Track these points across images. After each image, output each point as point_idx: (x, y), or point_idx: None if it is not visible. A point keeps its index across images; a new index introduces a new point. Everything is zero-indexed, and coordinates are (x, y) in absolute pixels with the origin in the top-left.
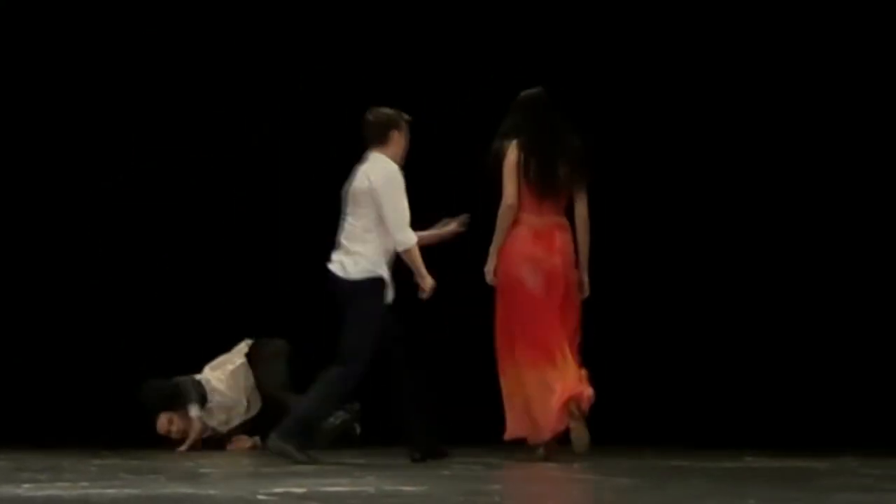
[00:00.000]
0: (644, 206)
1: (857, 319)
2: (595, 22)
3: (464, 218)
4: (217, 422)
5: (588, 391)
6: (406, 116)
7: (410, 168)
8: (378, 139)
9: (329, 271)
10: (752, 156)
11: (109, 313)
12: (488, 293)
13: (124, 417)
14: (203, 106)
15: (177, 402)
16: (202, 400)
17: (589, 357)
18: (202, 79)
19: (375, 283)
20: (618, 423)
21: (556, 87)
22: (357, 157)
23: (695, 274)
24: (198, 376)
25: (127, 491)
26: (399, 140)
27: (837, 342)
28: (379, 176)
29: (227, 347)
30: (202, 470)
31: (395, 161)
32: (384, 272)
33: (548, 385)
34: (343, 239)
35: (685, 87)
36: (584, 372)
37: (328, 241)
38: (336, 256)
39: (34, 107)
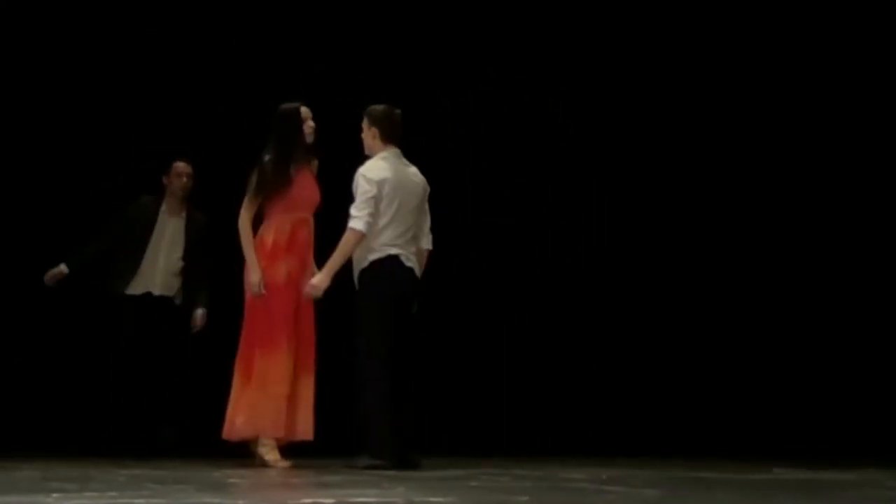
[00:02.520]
0: (661, 219)
1: (887, 333)
2: (592, 23)
3: None
4: None
5: None
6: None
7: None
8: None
9: (409, 270)
10: (753, 164)
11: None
12: (495, 300)
13: (152, 428)
14: (203, 106)
15: None
16: None
17: (618, 367)
18: (202, 79)
19: None
20: (645, 435)
21: (556, 88)
22: (352, 158)
23: (725, 287)
24: None
25: (155, 501)
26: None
27: (866, 355)
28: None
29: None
30: (230, 480)
31: None
32: None
33: None
34: (412, 237)
35: (682, 89)
36: None
37: (326, 243)
38: (410, 254)
39: (34, 107)
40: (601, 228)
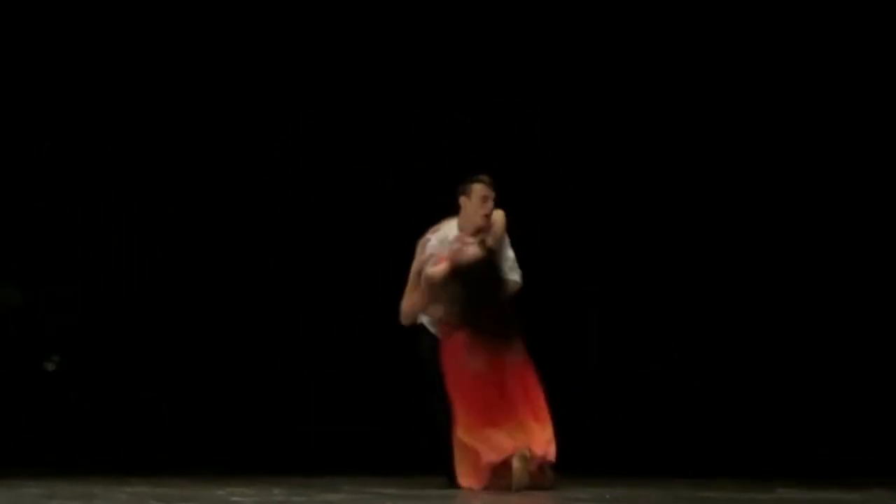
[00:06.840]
0: (660, 234)
1: (890, 351)
2: (589, 25)
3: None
4: None
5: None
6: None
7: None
8: None
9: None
10: (753, 170)
11: (137, 338)
12: None
13: (155, 444)
14: (203, 109)
15: None
16: None
17: (621, 385)
18: (202, 82)
19: None
20: (648, 454)
21: (554, 92)
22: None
23: (727, 305)
24: None
25: None
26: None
27: (870, 373)
28: None
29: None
30: (233, 498)
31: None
32: None
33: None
34: None
35: (681, 91)
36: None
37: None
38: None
39: (35, 109)
40: (600, 240)
